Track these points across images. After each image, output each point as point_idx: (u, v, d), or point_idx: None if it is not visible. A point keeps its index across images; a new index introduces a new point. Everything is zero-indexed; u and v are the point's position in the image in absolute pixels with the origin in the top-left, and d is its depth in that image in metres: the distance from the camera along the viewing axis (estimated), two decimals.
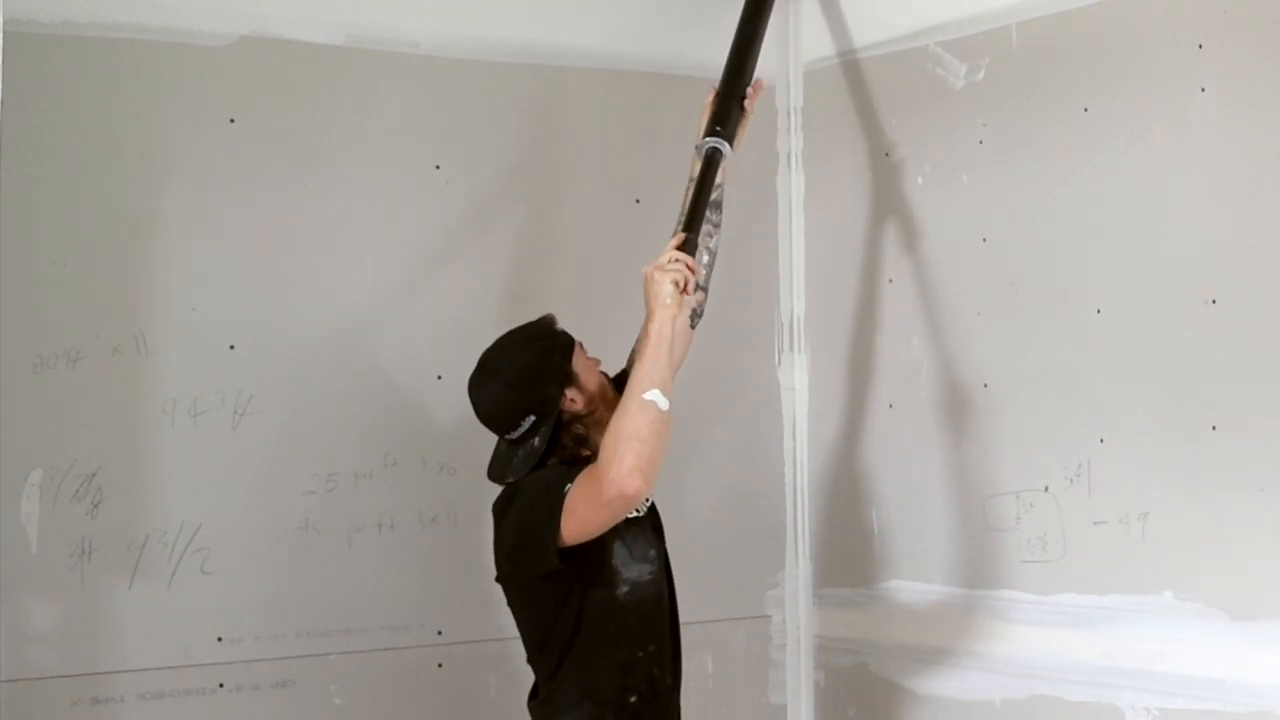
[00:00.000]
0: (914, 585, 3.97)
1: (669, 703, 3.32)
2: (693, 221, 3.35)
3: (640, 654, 3.23)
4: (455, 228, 3.90)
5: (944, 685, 3.90)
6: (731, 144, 3.50)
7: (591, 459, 3.21)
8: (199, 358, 3.58)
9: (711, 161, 3.47)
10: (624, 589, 3.23)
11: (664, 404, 3.07)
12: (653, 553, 3.33)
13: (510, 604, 3.31)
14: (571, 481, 3.10)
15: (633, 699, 3.22)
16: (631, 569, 3.25)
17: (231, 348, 3.61)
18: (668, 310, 3.16)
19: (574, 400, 3.27)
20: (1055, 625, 3.61)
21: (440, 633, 3.81)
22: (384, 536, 3.75)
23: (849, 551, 4.17)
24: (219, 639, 3.58)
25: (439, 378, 3.77)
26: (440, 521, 3.78)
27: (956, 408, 3.86)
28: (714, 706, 4.04)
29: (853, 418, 4.17)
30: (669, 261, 3.20)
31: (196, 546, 3.55)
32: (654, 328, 3.15)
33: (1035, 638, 3.66)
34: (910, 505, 3.99)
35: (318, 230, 3.74)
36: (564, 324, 3.33)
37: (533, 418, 3.22)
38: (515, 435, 3.24)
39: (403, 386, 3.78)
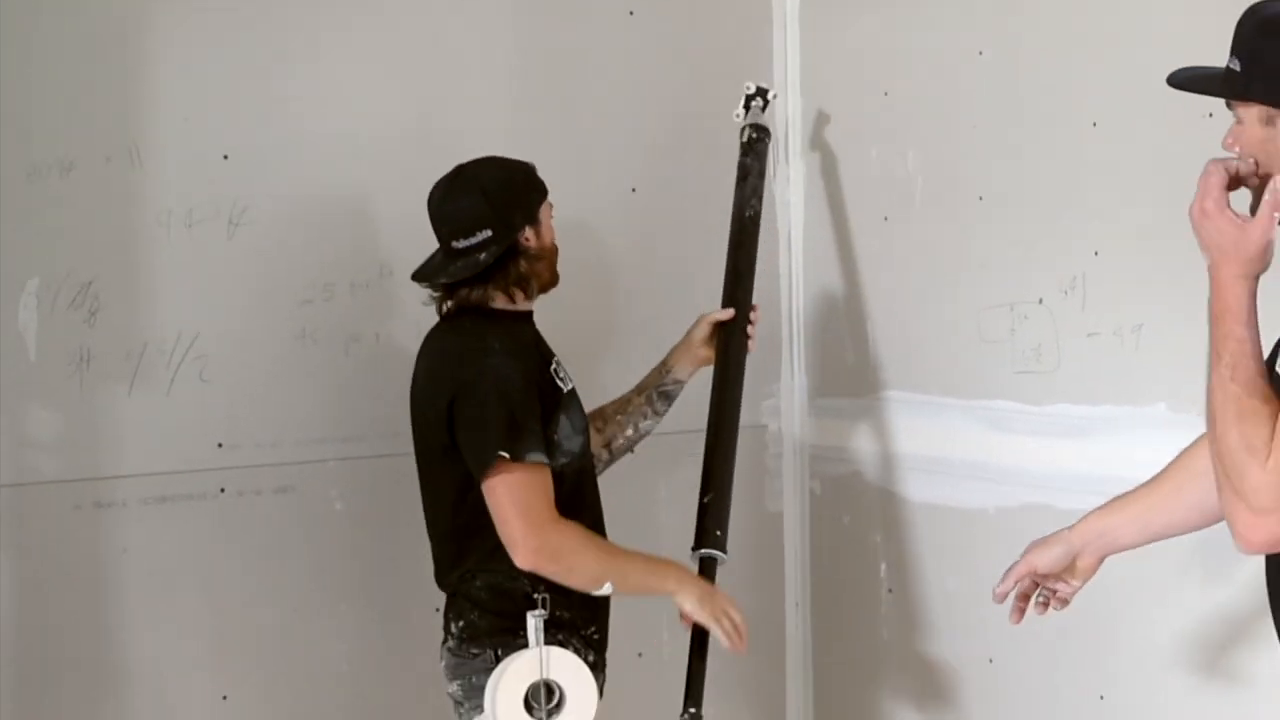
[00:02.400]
0: (908, 396, 3.99)
1: None
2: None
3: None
4: (454, 39, 3.86)
5: (937, 493, 3.95)
6: (725, 546, 3.46)
7: (526, 310, 3.28)
8: (193, 168, 3.56)
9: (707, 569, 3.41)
10: (562, 460, 3.22)
11: (606, 590, 3.18)
12: (584, 424, 3.34)
13: (425, 480, 3.33)
14: (512, 453, 3.07)
15: None
16: (572, 440, 3.25)
17: (225, 158, 3.59)
18: (689, 596, 3.25)
19: (529, 239, 3.25)
20: (1048, 435, 3.64)
21: None
22: (381, 346, 3.76)
23: (844, 363, 4.19)
24: (219, 445, 3.62)
25: None
26: None
27: (951, 220, 3.85)
28: None
29: (848, 231, 4.17)
30: (724, 613, 3.26)
31: (195, 355, 3.56)
32: (669, 584, 3.26)
33: (1028, 447, 3.69)
34: (905, 317, 4.00)
35: (313, 38, 3.70)
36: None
37: (489, 233, 3.20)
38: (462, 245, 3.22)
39: (397, 197, 3.74)
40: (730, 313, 3.59)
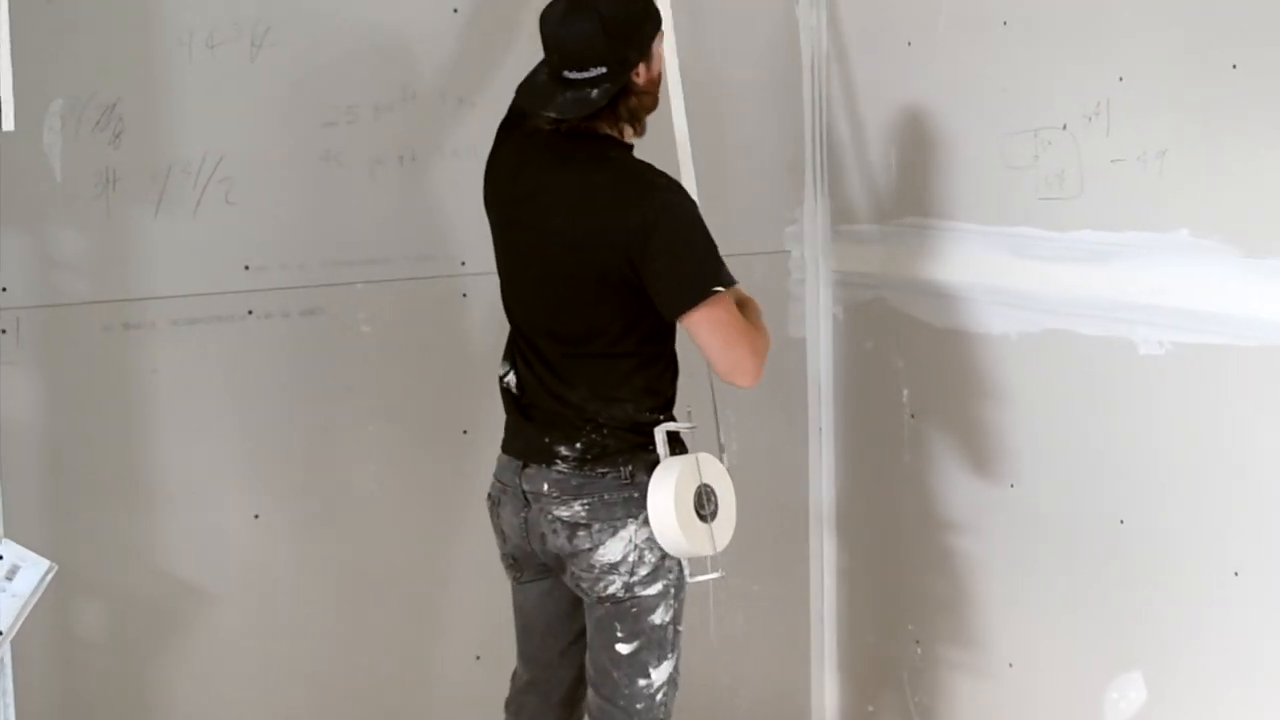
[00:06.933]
0: (931, 222, 3.99)
1: None
2: None
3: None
4: None
5: (960, 319, 3.96)
6: None
7: (631, 144, 3.22)
8: None
9: None
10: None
11: None
12: None
13: (579, 298, 3.22)
14: (725, 284, 3.13)
15: (673, 392, 3.32)
16: None
17: None
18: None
19: (639, 75, 3.16)
20: (1071, 261, 3.64)
21: (464, 263, 3.86)
22: (405, 169, 3.77)
23: (866, 188, 4.19)
24: (246, 267, 3.64)
25: (455, 11, 3.74)
26: (461, 155, 3.78)
27: (975, 45, 3.81)
28: None
29: (871, 56, 4.14)
30: None
31: (220, 177, 3.57)
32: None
33: (1051, 273, 3.69)
34: (928, 143, 3.98)
35: None
36: None
37: (603, 70, 3.09)
38: (574, 76, 3.10)
39: (419, 19, 3.74)
40: None
